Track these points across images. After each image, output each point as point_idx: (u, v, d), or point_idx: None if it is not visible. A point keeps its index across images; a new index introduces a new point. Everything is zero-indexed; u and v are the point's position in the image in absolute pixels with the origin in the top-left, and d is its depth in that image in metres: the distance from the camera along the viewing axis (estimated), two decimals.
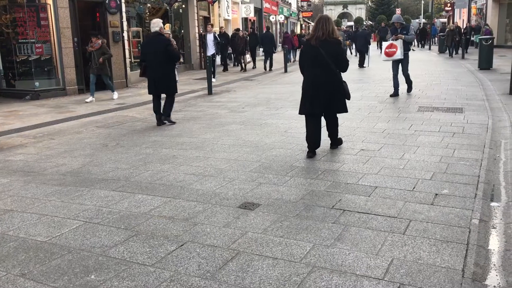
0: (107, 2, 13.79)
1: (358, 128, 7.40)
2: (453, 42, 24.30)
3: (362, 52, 19.58)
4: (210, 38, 15.92)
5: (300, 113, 5.93)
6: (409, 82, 11.04)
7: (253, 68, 20.86)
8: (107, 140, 7.35)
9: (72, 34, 12.83)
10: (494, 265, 3.08)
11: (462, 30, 26.66)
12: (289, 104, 10.32)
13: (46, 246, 3.52)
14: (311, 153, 5.81)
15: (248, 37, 20.95)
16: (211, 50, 15.81)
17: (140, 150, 6.53)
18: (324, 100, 5.71)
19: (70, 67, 12.81)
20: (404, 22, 10.83)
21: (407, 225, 3.67)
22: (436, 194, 4.32)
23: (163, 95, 8.52)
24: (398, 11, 57.26)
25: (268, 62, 20.22)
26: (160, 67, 8.17)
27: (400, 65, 10.63)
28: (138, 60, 16.77)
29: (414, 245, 3.33)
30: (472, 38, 27.76)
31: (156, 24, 8.28)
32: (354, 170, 5.15)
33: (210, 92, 12.90)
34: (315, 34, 5.68)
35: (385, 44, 10.68)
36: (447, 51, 25.31)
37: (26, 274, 3.10)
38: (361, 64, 19.42)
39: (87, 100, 11.46)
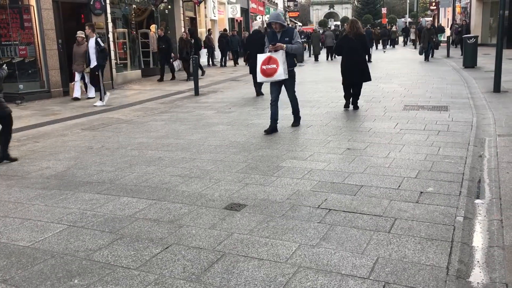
0: (91, 3, 13.68)
1: (344, 127, 7.42)
2: (430, 43, 20.22)
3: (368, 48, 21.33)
4: (91, 44, 11.33)
5: (343, 83, 9.12)
6: (297, 112, 7.77)
7: (201, 75, 17.15)
8: (92, 142, 7.28)
9: (57, 36, 12.69)
10: (478, 262, 3.10)
11: (457, 28, 26.44)
12: None
13: (29, 251, 3.47)
14: (347, 106, 9.15)
15: (193, 41, 17.45)
16: (92, 61, 11.29)
17: (126, 152, 6.47)
18: (356, 73, 8.87)
19: (55, 69, 12.67)
20: (285, 23, 7.31)
21: (392, 223, 3.68)
22: (421, 192, 4.34)
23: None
24: (384, 10, 57.73)
25: None
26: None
27: (283, 87, 7.43)
28: (125, 61, 16.86)
29: (399, 243, 3.34)
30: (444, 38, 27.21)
31: (257, 24, 13.19)
32: (340, 169, 5.16)
33: (197, 93, 12.86)
34: (351, 31, 8.86)
35: (260, 58, 7.20)
36: (423, 54, 21.00)
37: (8, 280, 3.05)
38: (368, 59, 21.25)
39: None
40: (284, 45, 7.03)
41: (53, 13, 12.53)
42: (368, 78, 8.96)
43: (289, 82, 7.38)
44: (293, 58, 7.30)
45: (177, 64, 16.63)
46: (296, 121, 7.79)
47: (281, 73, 7.05)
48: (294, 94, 7.57)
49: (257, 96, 11.84)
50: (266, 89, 13.31)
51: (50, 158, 6.40)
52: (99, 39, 11.41)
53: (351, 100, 9.15)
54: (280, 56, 7.01)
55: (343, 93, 9.33)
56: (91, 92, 12.13)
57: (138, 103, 11.67)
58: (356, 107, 9.08)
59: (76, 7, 13.82)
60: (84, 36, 11.81)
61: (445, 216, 3.77)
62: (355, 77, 8.91)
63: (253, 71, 11.51)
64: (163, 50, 16.24)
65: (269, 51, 7.11)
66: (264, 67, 7.15)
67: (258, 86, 11.82)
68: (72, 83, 12.42)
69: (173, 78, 16.66)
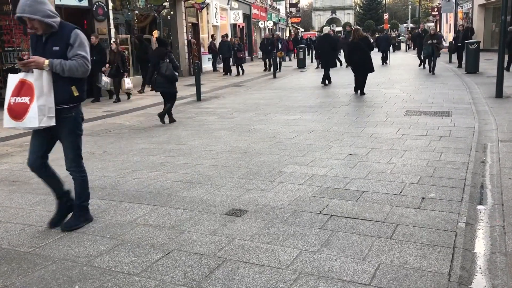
0: (94, 9, 13.76)
1: (346, 133, 7.41)
2: (434, 51, 16.76)
3: (385, 52, 23.46)
4: None
5: (353, 70, 12.36)
6: (82, 206, 4.07)
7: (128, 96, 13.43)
8: (94, 148, 7.29)
9: None
10: (480, 268, 3.08)
11: (441, 36, 26.29)
12: (278, 110, 10.33)
13: (30, 257, 3.47)
14: (356, 92, 12.23)
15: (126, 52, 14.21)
16: None
17: (127, 158, 6.48)
18: (361, 66, 11.92)
19: None
20: (54, 20, 3.66)
21: (394, 229, 3.67)
22: (423, 198, 4.33)
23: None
24: (386, 16, 57.82)
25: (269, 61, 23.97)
26: (328, 54, 15.13)
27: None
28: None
29: (401, 249, 3.33)
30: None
31: (326, 29, 15.99)
32: (342, 175, 5.15)
33: (199, 99, 12.88)
34: (355, 36, 12.04)
35: (11, 83, 3.69)
36: (425, 65, 18.61)
37: (9, 286, 3.04)
38: (384, 61, 23.19)
39: None
40: (46, 61, 3.60)
41: None
42: (371, 69, 12.03)
43: (65, 132, 3.86)
44: (69, 85, 3.73)
45: (105, 81, 12.64)
46: (73, 221, 3.98)
47: (33, 115, 3.60)
48: (78, 160, 4.02)
49: (329, 83, 15.09)
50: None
51: (52, 163, 6.37)
52: None
53: (358, 88, 12.06)
54: (36, 81, 3.60)
55: (344, 98, 11.48)
56: None
57: (140, 109, 11.70)
58: (362, 93, 11.94)
59: (79, 13, 13.90)
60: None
61: (447, 222, 3.75)
62: (362, 69, 11.94)
63: (323, 65, 15.40)
64: (95, 63, 11.14)
65: (22, 71, 3.70)
66: (12, 100, 3.68)
67: (325, 77, 14.89)
68: None
69: (97, 99, 13.08)
